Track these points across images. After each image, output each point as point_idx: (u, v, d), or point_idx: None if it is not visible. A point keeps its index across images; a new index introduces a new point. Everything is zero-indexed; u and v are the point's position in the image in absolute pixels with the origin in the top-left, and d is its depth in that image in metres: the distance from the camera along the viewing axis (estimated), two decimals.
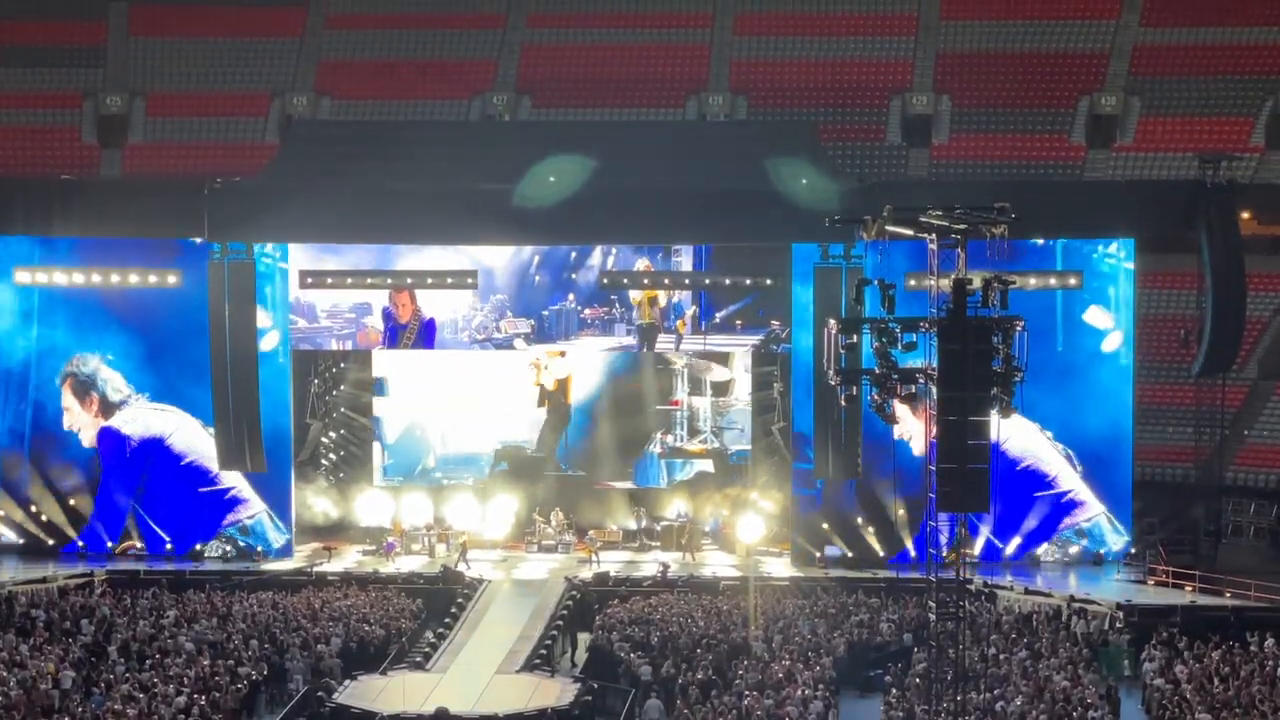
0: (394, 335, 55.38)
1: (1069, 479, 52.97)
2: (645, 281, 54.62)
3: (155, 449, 53.95)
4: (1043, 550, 53.05)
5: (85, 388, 53.90)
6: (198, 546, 53.47)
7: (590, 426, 57.31)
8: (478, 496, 56.57)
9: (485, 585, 50.89)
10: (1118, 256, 52.74)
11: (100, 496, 54.05)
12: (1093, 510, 53.05)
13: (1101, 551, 52.86)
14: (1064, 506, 53.08)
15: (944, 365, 35.41)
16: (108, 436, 54.02)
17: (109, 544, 53.80)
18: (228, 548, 53.56)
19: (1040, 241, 52.05)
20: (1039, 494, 52.80)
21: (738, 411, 56.88)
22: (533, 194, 51.08)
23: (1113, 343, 53.00)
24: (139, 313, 53.57)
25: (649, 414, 57.16)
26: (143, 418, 53.95)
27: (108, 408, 53.97)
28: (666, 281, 54.78)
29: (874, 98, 64.05)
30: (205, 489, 53.82)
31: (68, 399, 53.95)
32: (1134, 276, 52.75)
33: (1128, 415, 52.96)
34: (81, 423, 53.94)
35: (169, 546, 53.35)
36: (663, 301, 54.88)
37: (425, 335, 55.27)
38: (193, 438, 53.80)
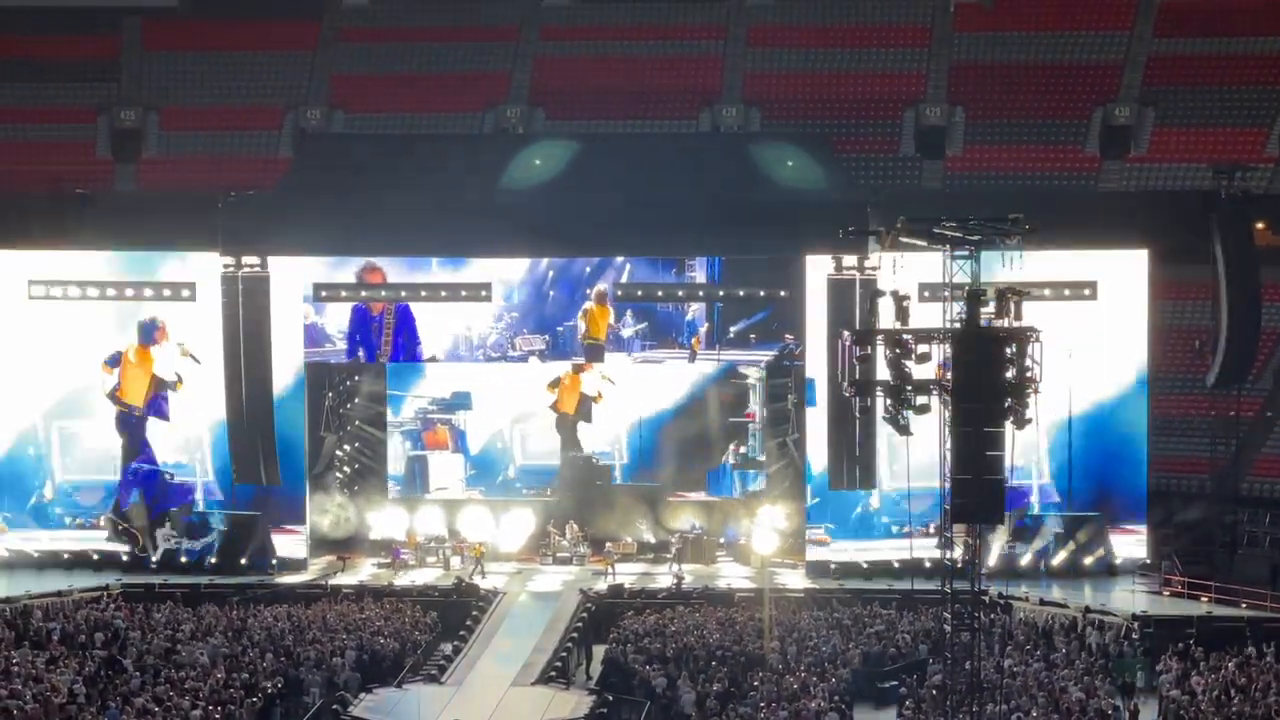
0: (366, 334, 53.91)
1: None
2: (659, 294, 54.61)
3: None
4: None
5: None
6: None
7: (661, 438, 57.04)
8: (492, 510, 56.63)
9: (500, 598, 50.92)
10: None
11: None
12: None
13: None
14: None
15: (958, 377, 35.43)
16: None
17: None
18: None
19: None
20: None
21: None
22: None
23: None
24: None
25: (723, 426, 56.69)
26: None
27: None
28: (681, 294, 54.75)
29: (887, 109, 64.02)
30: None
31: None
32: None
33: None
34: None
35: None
36: (612, 320, 54.49)
37: (404, 322, 53.93)
38: None
